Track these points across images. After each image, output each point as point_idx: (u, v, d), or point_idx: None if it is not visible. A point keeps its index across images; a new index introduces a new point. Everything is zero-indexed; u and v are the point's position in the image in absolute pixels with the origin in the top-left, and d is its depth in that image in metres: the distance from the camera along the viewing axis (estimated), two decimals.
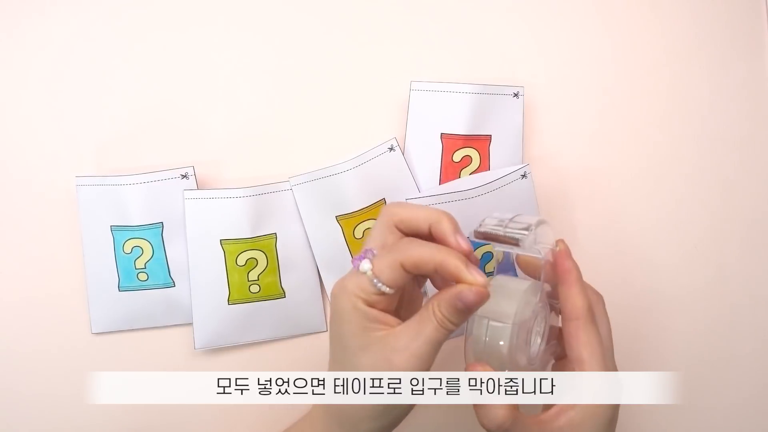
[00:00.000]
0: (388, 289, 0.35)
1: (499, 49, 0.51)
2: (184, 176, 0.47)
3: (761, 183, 0.51)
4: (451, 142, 0.48)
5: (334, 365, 0.37)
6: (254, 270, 0.47)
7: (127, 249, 0.47)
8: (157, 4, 0.50)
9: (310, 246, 0.48)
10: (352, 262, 0.36)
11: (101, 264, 0.47)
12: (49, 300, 0.48)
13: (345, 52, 0.50)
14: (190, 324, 0.47)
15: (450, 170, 0.48)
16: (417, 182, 0.48)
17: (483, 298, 0.34)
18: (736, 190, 0.51)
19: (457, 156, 0.48)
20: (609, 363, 0.37)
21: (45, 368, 0.48)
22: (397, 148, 0.48)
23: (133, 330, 0.48)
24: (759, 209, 0.51)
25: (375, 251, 0.36)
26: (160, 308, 0.47)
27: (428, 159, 0.48)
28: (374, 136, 0.49)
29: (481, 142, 0.48)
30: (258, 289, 0.47)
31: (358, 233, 0.47)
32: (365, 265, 0.35)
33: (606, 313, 0.39)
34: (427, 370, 0.35)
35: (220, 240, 0.47)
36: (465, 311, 0.34)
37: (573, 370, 0.36)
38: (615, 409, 0.36)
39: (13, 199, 0.49)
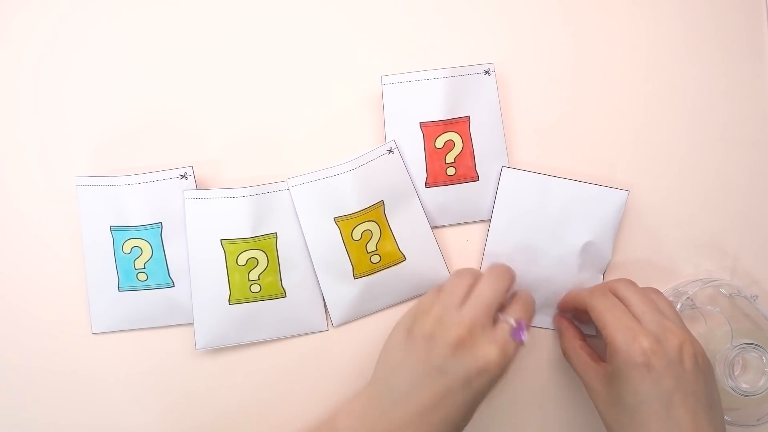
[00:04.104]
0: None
1: (466, 31, 0.51)
2: (183, 176, 0.47)
3: (762, 183, 0.51)
4: (430, 129, 0.48)
5: None
6: (255, 270, 0.47)
7: (127, 249, 0.47)
8: (156, 5, 0.50)
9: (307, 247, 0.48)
10: (513, 333, 0.41)
11: (101, 264, 0.47)
12: (49, 300, 0.48)
13: (343, 53, 0.50)
14: (190, 324, 0.47)
15: (435, 157, 0.48)
16: (413, 181, 0.48)
17: None
18: (735, 191, 0.50)
19: (439, 142, 0.48)
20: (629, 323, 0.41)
21: (45, 368, 0.48)
22: (396, 150, 0.48)
23: (133, 330, 0.48)
24: (759, 210, 0.50)
25: (521, 319, 0.42)
26: (160, 308, 0.47)
27: (411, 149, 0.48)
28: (376, 136, 0.49)
29: (460, 124, 0.48)
30: (259, 289, 0.47)
31: (356, 235, 0.47)
32: (527, 335, 0.42)
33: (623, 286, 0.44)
34: None
35: (221, 240, 0.47)
36: None
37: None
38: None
39: (13, 200, 0.49)
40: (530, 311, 0.44)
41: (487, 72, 0.49)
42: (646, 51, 0.51)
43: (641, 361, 0.39)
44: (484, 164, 0.49)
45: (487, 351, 0.39)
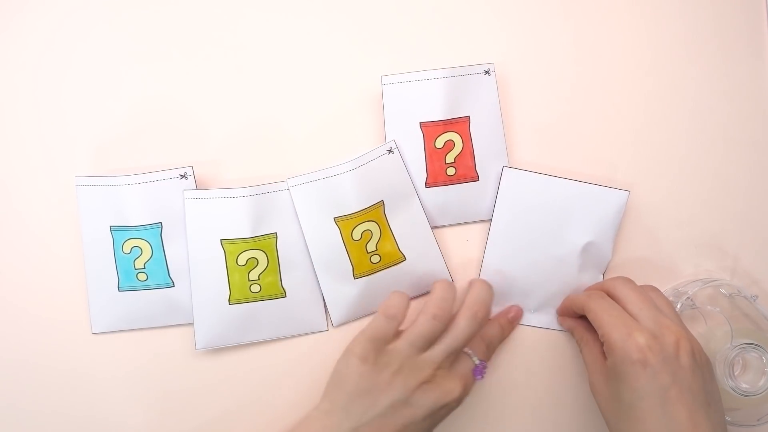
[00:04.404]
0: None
1: (466, 31, 0.51)
2: (183, 176, 0.47)
3: (762, 183, 0.50)
4: (430, 129, 0.48)
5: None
6: (255, 270, 0.47)
7: (127, 249, 0.47)
8: (155, 6, 0.50)
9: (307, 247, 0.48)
10: (475, 372, 0.44)
11: (101, 264, 0.47)
12: (49, 300, 0.48)
13: (343, 53, 0.50)
14: (190, 324, 0.47)
15: (435, 157, 0.48)
16: (413, 181, 0.48)
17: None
18: (735, 191, 0.50)
19: (439, 142, 0.48)
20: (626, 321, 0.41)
21: (46, 368, 0.48)
22: (396, 150, 0.48)
23: (133, 330, 0.48)
24: (759, 210, 0.50)
25: (483, 357, 0.45)
26: (160, 308, 0.47)
27: (411, 149, 0.48)
28: (376, 135, 0.49)
29: (460, 124, 0.48)
30: (259, 289, 0.47)
31: (356, 235, 0.47)
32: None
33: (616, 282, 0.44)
34: None
35: (221, 240, 0.47)
36: None
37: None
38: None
39: (13, 200, 0.49)
40: (493, 350, 0.47)
41: (487, 72, 0.49)
42: (646, 51, 0.51)
43: (637, 358, 0.39)
44: (484, 164, 0.49)
45: (453, 387, 0.42)
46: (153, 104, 0.49)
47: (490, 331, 0.47)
